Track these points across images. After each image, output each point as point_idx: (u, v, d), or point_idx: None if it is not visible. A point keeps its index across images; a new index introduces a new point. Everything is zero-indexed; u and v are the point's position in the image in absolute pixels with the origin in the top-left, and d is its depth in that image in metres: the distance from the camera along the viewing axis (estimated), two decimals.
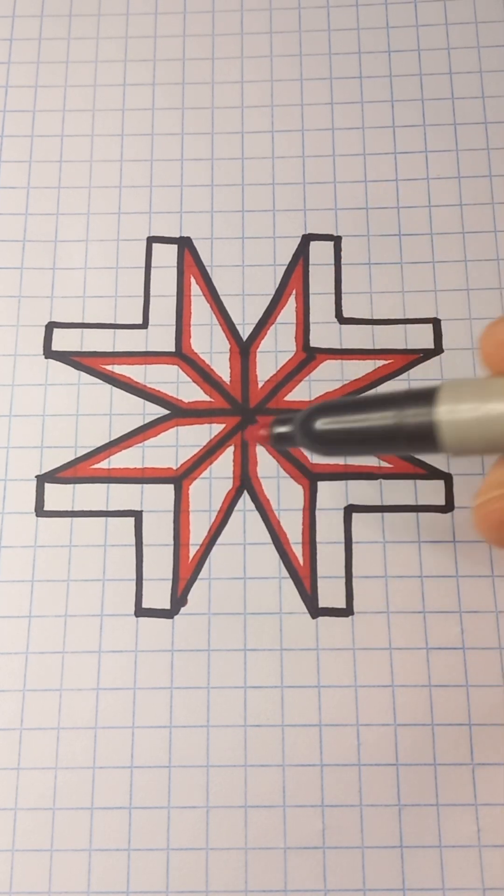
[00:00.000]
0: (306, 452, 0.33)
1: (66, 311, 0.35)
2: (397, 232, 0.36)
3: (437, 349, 0.34)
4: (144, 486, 0.33)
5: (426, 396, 0.24)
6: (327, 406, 0.27)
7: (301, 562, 0.32)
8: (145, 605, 0.32)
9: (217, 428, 0.34)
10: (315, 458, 0.33)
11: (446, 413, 0.23)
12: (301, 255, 0.36)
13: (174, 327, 0.35)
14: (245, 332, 0.35)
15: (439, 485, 0.33)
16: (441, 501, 0.32)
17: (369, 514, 0.32)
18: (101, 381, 0.34)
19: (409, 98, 0.38)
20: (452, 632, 0.31)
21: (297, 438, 0.27)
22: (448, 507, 0.32)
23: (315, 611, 0.31)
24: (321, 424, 0.26)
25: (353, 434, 0.26)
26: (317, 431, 0.26)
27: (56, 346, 0.35)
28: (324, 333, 0.35)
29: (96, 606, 0.32)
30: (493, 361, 0.24)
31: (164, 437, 0.34)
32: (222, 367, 0.34)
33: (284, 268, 0.36)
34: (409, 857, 0.29)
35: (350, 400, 0.27)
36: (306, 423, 0.27)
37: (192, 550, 0.32)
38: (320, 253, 0.36)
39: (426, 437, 0.24)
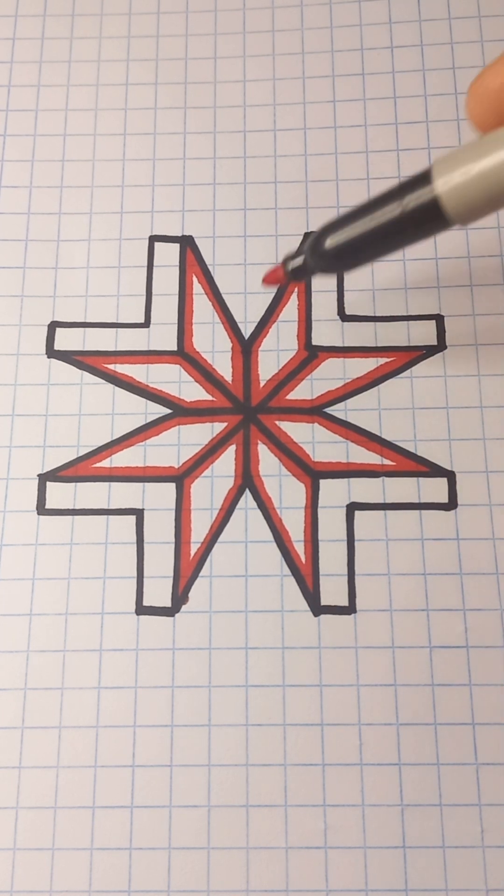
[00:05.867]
0: (326, 276, 0.31)
1: (68, 310, 0.35)
2: None
3: (441, 346, 0.34)
4: (146, 484, 0.33)
5: (422, 178, 0.25)
6: (331, 224, 0.27)
7: (303, 559, 0.32)
8: (146, 603, 0.32)
9: (219, 427, 0.34)
10: (334, 276, 0.33)
11: (443, 185, 0.24)
12: None
13: (176, 326, 0.35)
14: (247, 330, 0.35)
15: (442, 482, 0.32)
16: (444, 499, 0.32)
17: (372, 512, 0.32)
18: (103, 381, 0.34)
19: (411, 94, 0.38)
20: (456, 630, 0.31)
21: (312, 264, 0.28)
22: (451, 504, 0.32)
23: (317, 609, 0.31)
24: (331, 241, 0.27)
25: (364, 239, 0.27)
26: (329, 250, 0.27)
27: (58, 345, 0.35)
28: (326, 331, 0.34)
29: (97, 604, 0.31)
30: (479, 119, 0.25)
31: (165, 435, 0.33)
32: (224, 366, 0.34)
33: None
34: (412, 857, 0.29)
35: (350, 212, 0.27)
36: (317, 246, 0.28)
37: (194, 548, 0.32)
38: None
39: (432, 214, 0.25)
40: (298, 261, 0.29)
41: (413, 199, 0.25)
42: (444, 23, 0.38)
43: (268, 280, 0.31)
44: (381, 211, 0.26)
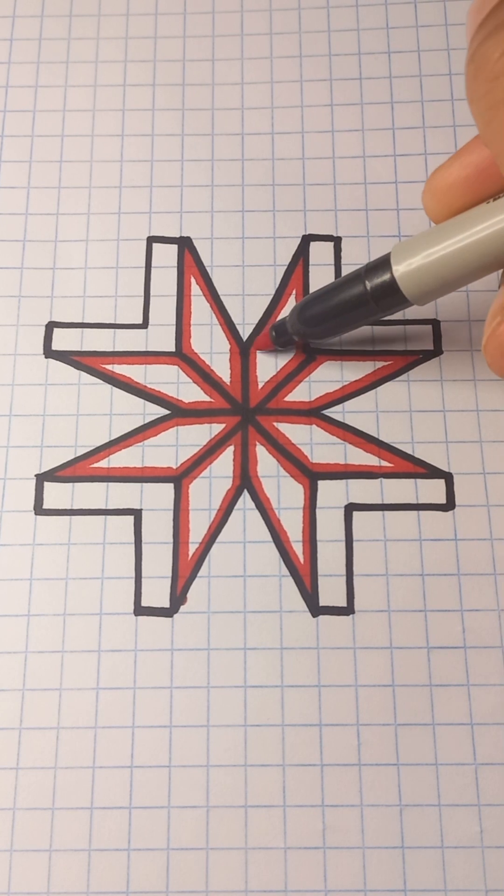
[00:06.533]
0: (304, 339, 0.34)
1: (66, 310, 0.35)
2: (397, 233, 0.36)
3: (437, 350, 0.35)
4: (144, 484, 0.33)
5: (383, 262, 0.29)
6: (310, 297, 0.32)
7: (301, 560, 0.32)
8: (144, 603, 0.31)
9: (217, 428, 0.34)
10: (313, 343, 0.35)
11: (401, 269, 0.28)
12: (301, 255, 0.36)
13: (174, 327, 0.35)
14: (245, 332, 0.35)
15: (440, 483, 0.33)
16: (442, 500, 0.32)
17: (370, 513, 0.32)
18: (101, 381, 0.34)
19: (408, 100, 0.38)
20: (454, 630, 0.31)
21: (293, 331, 0.33)
22: (449, 505, 0.32)
23: (315, 609, 0.31)
24: (309, 312, 0.32)
25: (336, 310, 0.31)
26: (308, 319, 0.32)
27: (56, 345, 0.35)
28: None
29: (95, 605, 0.31)
30: (433, 213, 0.28)
31: (163, 436, 0.33)
32: (222, 368, 0.34)
33: (284, 268, 0.36)
34: (411, 857, 0.29)
35: (327, 287, 0.32)
36: (298, 315, 0.32)
37: (192, 548, 0.32)
38: (320, 253, 0.36)
39: (390, 293, 0.29)
40: (282, 328, 0.33)
41: (376, 279, 0.29)
42: (441, 29, 0.39)
43: (257, 346, 0.35)
44: (350, 291, 0.30)
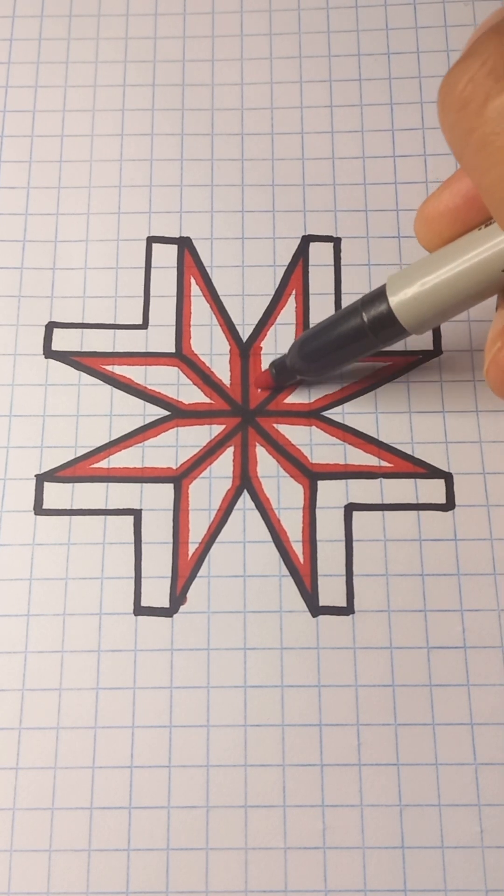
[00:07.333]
0: (303, 376, 0.34)
1: (66, 311, 0.35)
2: (396, 234, 0.36)
3: (437, 351, 0.35)
4: (144, 485, 0.33)
5: (378, 294, 0.29)
6: (310, 332, 0.32)
7: (301, 560, 0.32)
8: (144, 603, 0.31)
9: (217, 429, 0.34)
10: (311, 388, 0.34)
11: (397, 299, 0.28)
12: (301, 255, 0.36)
13: (174, 328, 0.35)
14: (245, 332, 0.35)
15: (440, 483, 0.33)
16: (442, 500, 0.32)
17: (370, 513, 0.32)
18: (101, 382, 0.34)
19: (408, 101, 0.38)
20: (454, 630, 0.31)
21: (292, 367, 0.33)
22: (449, 505, 0.32)
23: (315, 609, 0.31)
24: (309, 346, 0.32)
25: (333, 343, 0.31)
26: (308, 354, 0.32)
27: (56, 346, 0.35)
28: None
29: (95, 605, 0.31)
30: (425, 241, 0.28)
31: (163, 437, 0.33)
32: (222, 369, 0.34)
33: (284, 268, 0.36)
34: (411, 857, 0.29)
35: (325, 322, 0.32)
36: (298, 350, 0.32)
37: (192, 548, 0.32)
38: (320, 254, 0.36)
39: (388, 324, 0.29)
40: (281, 364, 0.33)
41: (373, 312, 0.29)
42: (441, 30, 0.39)
43: (258, 384, 0.34)
44: (348, 324, 0.30)
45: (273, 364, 0.33)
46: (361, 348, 0.31)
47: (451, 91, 0.22)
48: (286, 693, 0.30)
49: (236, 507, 0.32)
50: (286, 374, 0.33)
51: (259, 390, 0.34)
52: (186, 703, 0.30)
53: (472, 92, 0.21)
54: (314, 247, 0.36)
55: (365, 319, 0.29)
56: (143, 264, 0.36)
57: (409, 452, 0.33)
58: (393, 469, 0.33)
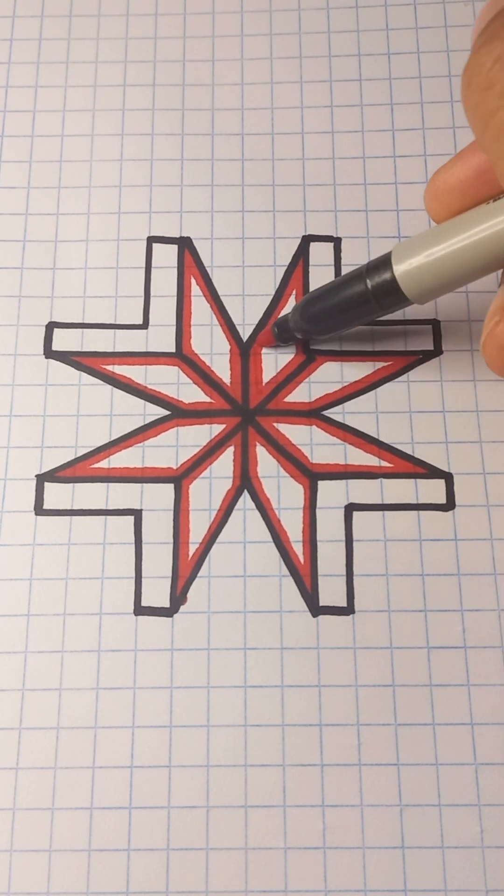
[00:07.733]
0: (305, 337, 0.34)
1: (66, 311, 0.35)
2: (396, 234, 0.36)
3: (437, 350, 0.35)
4: (144, 485, 0.33)
5: (384, 261, 0.29)
6: (313, 294, 0.32)
7: (301, 560, 0.32)
8: (145, 603, 0.31)
9: (217, 429, 0.34)
10: (313, 344, 0.35)
11: (401, 269, 0.28)
12: (301, 255, 0.36)
13: (174, 328, 0.35)
14: (245, 332, 0.35)
15: (440, 483, 0.33)
16: (442, 500, 0.32)
17: (370, 513, 0.32)
18: (101, 382, 0.34)
19: (408, 101, 0.38)
20: (454, 630, 0.31)
21: (295, 327, 0.33)
22: (449, 505, 0.32)
23: (316, 609, 0.31)
24: (312, 309, 0.32)
25: (336, 307, 0.31)
26: (311, 315, 0.32)
27: (56, 346, 0.35)
28: None
29: (95, 605, 0.31)
30: (434, 213, 0.28)
31: (164, 437, 0.33)
32: (222, 369, 0.34)
33: (284, 268, 0.36)
34: (411, 857, 0.29)
35: (329, 285, 0.32)
36: (301, 312, 0.32)
37: (192, 548, 0.32)
38: (320, 254, 0.36)
39: (391, 292, 0.29)
40: (284, 323, 0.33)
41: (376, 279, 0.29)
42: (441, 30, 0.39)
43: (260, 342, 0.35)
44: (352, 289, 0.30)
45: (276, 323, 0.34)
46: (364, 313, 0.31)
47: (478, 72, 0.22)
48: (286, 693, 0.30)
49: (236, 507, 0.32)
50: (288, 334, 0.34)
51: (262, 349, 0.35)
52: (186, 703, 0.30)
53: (497, 73, 0.22)
54: (314, 247, 0.36)
55: (369, 286, 0.29)
56: (144, 264, 0.36)
57: (410, 452, 0.33)
58: (393, 469, 0.33)
